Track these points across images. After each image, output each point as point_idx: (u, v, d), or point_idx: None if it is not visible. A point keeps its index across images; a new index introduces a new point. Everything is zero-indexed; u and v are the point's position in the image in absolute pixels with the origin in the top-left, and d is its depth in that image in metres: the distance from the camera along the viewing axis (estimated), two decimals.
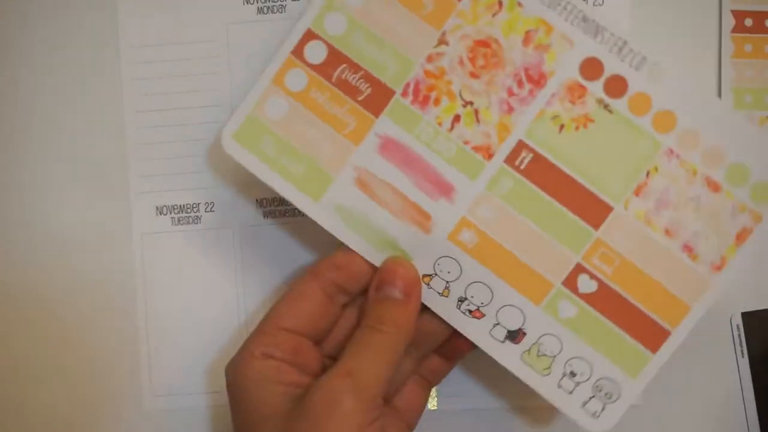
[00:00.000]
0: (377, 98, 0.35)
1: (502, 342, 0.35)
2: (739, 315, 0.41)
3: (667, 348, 0.34)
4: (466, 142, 0.35)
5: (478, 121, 0.35)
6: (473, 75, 0.35)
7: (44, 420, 0.41)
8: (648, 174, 0.34)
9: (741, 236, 0.34)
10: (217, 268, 0.41)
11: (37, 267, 0.41)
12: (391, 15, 0.35)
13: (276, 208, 0.41)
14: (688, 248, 0.34)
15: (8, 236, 0.41)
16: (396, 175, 0.35)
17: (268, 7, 0.41)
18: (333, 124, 0.35)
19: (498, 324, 0.35)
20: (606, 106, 0.34)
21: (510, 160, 0.35)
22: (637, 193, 0.34)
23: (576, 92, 0.34)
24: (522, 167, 0.34)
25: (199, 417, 0.41)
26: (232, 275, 0.41)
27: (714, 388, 0.41)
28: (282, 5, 0.41)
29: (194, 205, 0.41)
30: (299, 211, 0.38)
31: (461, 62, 0.35)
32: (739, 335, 0.41)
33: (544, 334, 0.35)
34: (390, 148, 0.35)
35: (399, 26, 0.35)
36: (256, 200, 0.41)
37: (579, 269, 0.35)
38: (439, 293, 0.35)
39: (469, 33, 0.34)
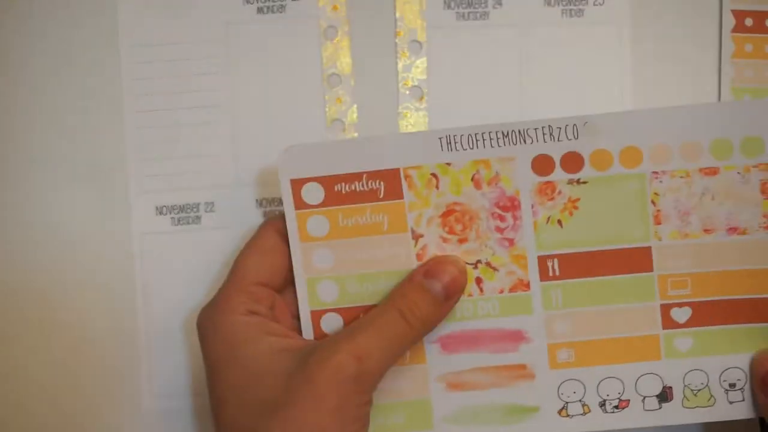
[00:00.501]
0: None
1: (660, 408, 0.37)
2: None
3: None
4: (501, 291, 0.36)
5: (495, 269, 0.36)
6: (461, 241, 0.36)
7: (44, 420, 0.41)
8: (653, 202, 0.36)
9: (765, 189, 0.36)
10: (217, 268, 0.41)
11: (36, 267, 0.41)
12: (365, 252, 0.36)
13: (276, 208, 0.41)
14: (733, 229, 0.36)
15: (8, 236, 0.41)
16: (473, 357, 0.37)
17: (268, 7, 0.41)
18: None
19: (644, 397, 0.37)
20: (578, 182, 0.36)
21: (544, 276, 0.36)
22: (658, 222, 0.36)
23: (547, 190, 0.36)
24: (557, 273, 0.36)
25: (198, 417, 0.41)
26: None
27: None
28: (282, 5, 0.41)
29: (194, 205, 0.41)
30: None
31: (444, 240, 0.36)
32: None
33: (685, 375, 0.37)
34: (449, 343, 0.37)
35: (377, 253, 0.36)
36: (256, 200, 0.41)
37: (665, 309, 0.36)
38: (581, 414, 0.37)
39: (431, 214, 0.36)
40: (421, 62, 0.41)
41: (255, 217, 0.41)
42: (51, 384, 0.41)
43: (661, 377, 0.37)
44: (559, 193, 0.36)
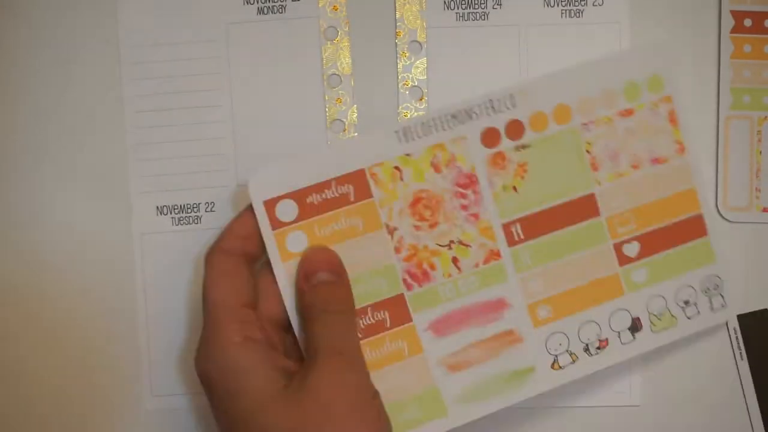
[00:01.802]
0: (398, 311, 0.38)
1: (634, 339, 0.40)
2: (735, 318, 0.42)
3: (711, 224, 0.40)
4: (476, 265, 0.38)
5: (467, 246, 0.38)
6: (432, 225, 0.38)
7: (44, 419, 0.41)
8: (588, 152, 0.39)
9: (672, 118, 0.40)
10: None
11: (37, 267, 0.41)
12: (346, 257, 0.37)
13: None
14: (655, 160, 0.40)
15: (8, 236, 0.41)
16: (464, 335, 0.38)
17: (268, 8, 0.41)
18: (393, 361, 0.38)
19: (619, 332, 0.39)
20: (523, 147, 0.39)
21: (511, 242, 0.39)
22: (594, 168, 0.39)
23: (497, 160, 0.38)
24: (522, 236, 0.39)
25: (198, 417, 0.42)
26: None
27: (714, 392, 0.42)
28: (282, 5, 0.41)
29: (194, 205, 0.41)
30: None
31: (417, 228, 0.38)
32: (737, 338, 0.41)
33: (647, 303, 0.40)
34: (440, 327, 0.38)
35: (357, 255, 0.37)
36: None
37: (617, 247, 0.39)
38: (571, 363, 0.39)
39: (400, 206, 0.38)
40: (421, 62, 0.41)
41: None
42: (51, 383, 0.41)
43: (628, 311, 0.39)
44: (509, 160, 0.38)
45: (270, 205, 0.36)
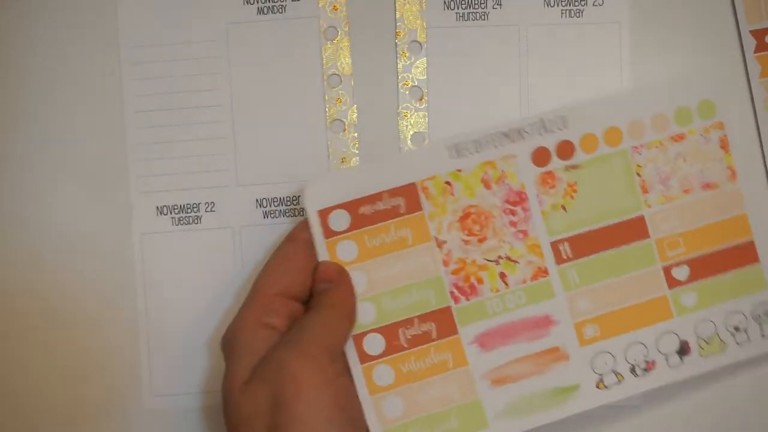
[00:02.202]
0: (444, 323, 0.38)
1: (682, 362, 0.40)
2: None
3: (763, 250, 0.40)
4: (524, 281, 0.39)
5: (515, 262, 0.39)
6: (481, 240, 0.39)
7: (44, 420, 0.41)
8: (638, 174, 0.40)
9: (723, 144, 0.40)
10: (217, 268, 0.41)
11: (37, 267, 0.41)
12: (395, 267, 0.38)
13: (276, 208, 0.41)
14: (706, 185, 0.40)
15: (8, 236, 0.41)
16: (509, 350, 0.39)
17: (268, 8, 0.41)
18: (437, 372, 0.38)
19: (666, 355, 0.39)
20: (573, 167, 0.39)
21: (558, 260, 0.39)
22: (645, 191, 0.39)
23: (547, 179, 0.39)
24: (570, 255, 0.39)
25: (198, 417, 0.41)
26: (232, 275, 0.41)
27: (715, 393, 0.42)
28: (282, 5, 0.41)
29: (194, 205, 0.41)
30: (299, 212, 0.38)
31: (466, 242, 0.39)
32: None
33: (696, 327, 0.40)
34: (486, 340, 0.39)
35: (406, 266, 0.38)
36: (256, 200, 0.41)
37: (667, 270, 0.40)
38: (617, 383, 0.39)
39: (450, 220, 0.39)
40: (421, 62, 0.41)
41: (255, 217, 0.41)
42: (51, 383, 0.41)
43: (677, 334, 0.40)
44: (559, 180, 0.39)
45: (323, 214, 0.38)
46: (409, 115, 0.42)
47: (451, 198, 0.38)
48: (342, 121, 0.41)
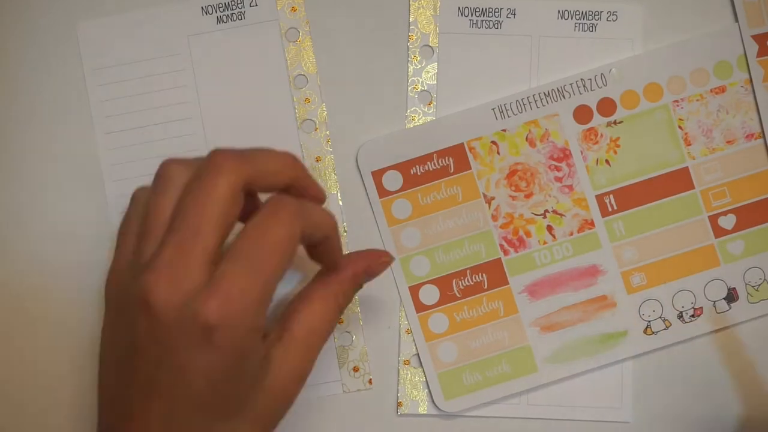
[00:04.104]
0: (495, 274, 0.41)
1: (730, 308, 0.40)
2: None
3: None
4: (570, 234, 0.40)
5: (562, 215, 0.41)
6: (527, 196, 0.41)
7: (44, 420, 0.41)
8: (680, 127, 0.41)
9: None
10: None
11: (36, 267, 0.41)
12: (446, 223, 0.40)
13: None
14: (749, 136, 0.41)
15: (7, 236, 0.41)
16: (558, 299, 0.40)
17: (227, 16, 0.41)
18: (489, 320, 0.40)
19: (714, 301, 0.40)
20: (615, 123, 0.41)
21: (604, 212, 0.41)
22: (688, 143, 0.40)
23: (590, 135, 0.41)
24: (616, 207, 0.41)
25: None
26: None
27: (705, 411, 0.41)
28: (241, 12, 0.41)
29: None
30: None
31: (513, 198, 0.41)
32: None
33: (744, 274, 0.41)
34: (536, 290, 0.40)
35: (457, 222, 0.40)
36: None
37: (713, 219, 0.41)
38: (665, 328, 0.40)
39: (497, 177, 0.41)
40: (432, 67, 0.41)
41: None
42: (51, 383, 0.41)
43: (724, 281, 0.41)
44: (601, 136, 0.41)
45: (378, 175, 0.40)
46: (416, 119, 0.41)
47: (497, 157, 0.40)
48: (312, 120, 0.41)
